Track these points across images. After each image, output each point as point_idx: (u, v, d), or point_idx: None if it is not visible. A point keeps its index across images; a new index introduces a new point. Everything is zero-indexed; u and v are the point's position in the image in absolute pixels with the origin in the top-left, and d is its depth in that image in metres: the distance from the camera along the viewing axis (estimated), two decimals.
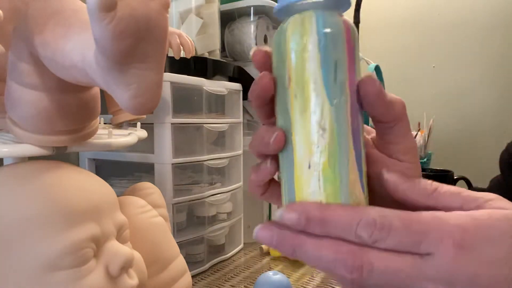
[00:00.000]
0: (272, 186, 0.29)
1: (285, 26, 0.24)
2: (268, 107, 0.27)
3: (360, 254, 0.22)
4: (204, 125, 0.74)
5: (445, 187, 0.24)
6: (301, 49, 0.23)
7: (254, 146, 0.27)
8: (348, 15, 1.43)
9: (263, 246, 0.85)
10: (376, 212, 0.22)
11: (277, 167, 0.26)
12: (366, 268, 0.21)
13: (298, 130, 0.23)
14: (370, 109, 0.25)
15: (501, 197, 0.23)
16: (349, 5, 0.25)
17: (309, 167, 0.23)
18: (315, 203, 0.23)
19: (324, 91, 0.22)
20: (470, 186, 0.95)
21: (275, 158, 0.26)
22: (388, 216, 0.22)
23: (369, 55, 1.30)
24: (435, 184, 0.25)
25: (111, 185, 0.41)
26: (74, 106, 0.37)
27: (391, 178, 0.25)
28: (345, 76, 0.23)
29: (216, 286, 0.69)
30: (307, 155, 0.23)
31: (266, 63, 0.26)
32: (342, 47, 0.23)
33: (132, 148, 0.55)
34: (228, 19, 0.98)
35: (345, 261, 0.22)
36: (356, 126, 0.23)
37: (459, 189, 0.24)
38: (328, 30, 0.23)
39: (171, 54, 0.58)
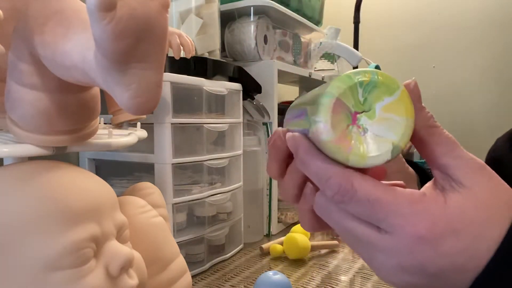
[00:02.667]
0: None
1: None
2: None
3: (325, 199, 0.24)
4: (204, 125, 0.74)
5: (445, 132, 0.24)
6: None
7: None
8: (348, 15, 1.44)
9: (263, 246, 0.85)
10: (346, 177, 0.23)
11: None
12: (324, 216, 0.25)
13: None
14: None
15: (486, 169, 0.23)
16: None
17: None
18: (305, 146, 0.24)
19: None
20: None
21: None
22: (355, 185, 0.22)
23: (369, 55, 1.30)
24: (437, 123, 0.25)
25: (111, 185, 0.41)
26: (74, 106, 0.37)
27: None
28: None
29: (216, 286, 0.69)
30: None
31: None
32: None
33: (132, 148, 0.55)
34: (228, 19, 0.98)
35: (315, 203, 0.25)
36: None
37: (454, 145, 0.24)
38: None
39: (171, 54, 0.58)
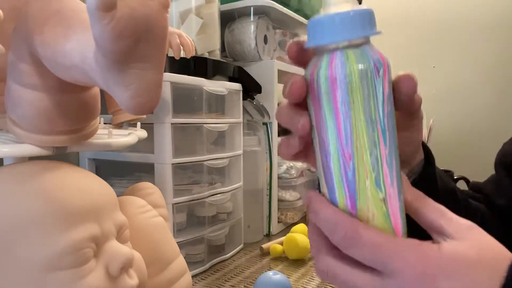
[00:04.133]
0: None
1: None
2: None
3: (326, 261, 0.26)
4: (204, 125, 0.74)
5: (434, 202, 0.27)
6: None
7: (283, 122, 0.30)
8: None
9: (263, 246, 0.85)
10: (352, 223, 0.25)
11: (303, 144, 0.29)
12: (329, 274, 0.26)
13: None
14: (406, 103, 0.29)
15: (475, 227, 0.26)
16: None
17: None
18: (318, 198, 0.27)
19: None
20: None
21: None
22: (360, 230, 0.25)
23: None
24: (425, 195, 0.28)
25: (111, 185, 0.41)
26: (74, 106, 0.37)
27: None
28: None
29: (216, 286, 0.69)
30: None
31: (299, 57, 0.28)
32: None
33: (132, 148, 0.55)
34: (228, 19, 0.98)
35: (316, 259, 0.27)
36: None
37: (444, 211, 0.27)
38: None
39: (171, 54, 0.58)
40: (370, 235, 0.24)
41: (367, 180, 0.25)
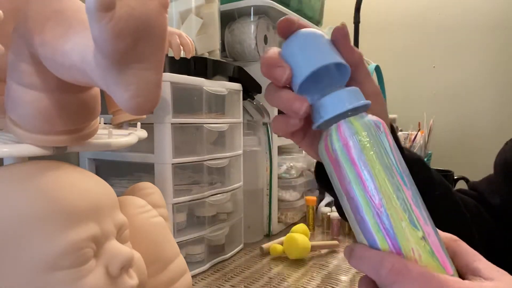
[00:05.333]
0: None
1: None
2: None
3: None
4: (204, 125, 0.74)
5: (467, 245, 0.29)
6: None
7: (275, 105, 0.31)
8: (348, 15, 1.44)
9: (263, 246, 0.85)
10: (400, 259, 0.25)
11: (303, 122, 0.31)
12: None
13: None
14: (345, 52, 0.31)
15: (508, 275, 0.27)
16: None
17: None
18: (361, 246, 0.28)
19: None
20: None
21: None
22: (409, 265, 0.25)
23: (369, 55, 1.30)
24: (456, 238, 0.30)
25: (111, 185, 0.41)
26: (74, 106, 0.37)
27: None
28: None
29: (216, 286, 0.69)
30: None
31: (290, 28, 0.31)
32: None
33: (132, 148, 0.55)
34: (228, 19, 0.98)
35: None
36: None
37: (477, 254, 0.28)
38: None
39: (171, 54, 0.58)
40: (419, 269, 0.25)
41: (402, 222, 0.27)
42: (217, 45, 0.83)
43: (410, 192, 0.27)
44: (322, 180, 0.41)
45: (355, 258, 0.28)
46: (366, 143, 0.28)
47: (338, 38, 0.30)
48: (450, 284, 0.24)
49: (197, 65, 0.73)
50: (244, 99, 0.87)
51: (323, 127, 0.31)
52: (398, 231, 0.26)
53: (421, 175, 0.38)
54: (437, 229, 0.28)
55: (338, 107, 0.29)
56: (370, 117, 0.29)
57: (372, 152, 0.27)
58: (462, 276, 0.27)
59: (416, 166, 0.39)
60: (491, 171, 0.52)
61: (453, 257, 0.28)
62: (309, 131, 0.33)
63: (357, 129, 0.28)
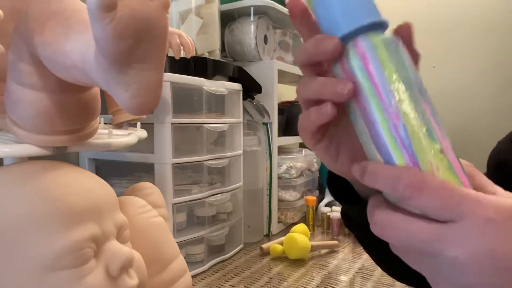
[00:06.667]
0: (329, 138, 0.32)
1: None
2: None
3: (384, 212, 0.25)
4: (204, 125, 0.74)
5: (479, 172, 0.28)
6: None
7: (314, 93, 0.29)
8: None
9: (263, 246, 0.85)
10: (416, 172, 0.24)
11: (336, 111, 0.29)
12: (385, 225, 0.25)
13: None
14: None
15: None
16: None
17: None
18: (375, 163, 0.26)
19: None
20: None
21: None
22: (426, 178, 0.24)
23: None
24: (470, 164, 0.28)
25: (111, 185, 0.41)
26: (74, 106, 0.37)
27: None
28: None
29: (216, 286, 0.69)
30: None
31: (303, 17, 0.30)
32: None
33: (132, 148, 0.55)
34: (228, 19, 0.98)
35: (371, 214, 0.26)
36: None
37: (489, 181, 0.27)
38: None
39: (171, 54, 0.58)
40: (438, 182, 0.23)
41: (420, 133, 0.25)
42: (217, 45, 0.83)
43: (429, 108, 0.26)
44: (336, 190, 0.40)
45: (369, 174, 0.26)
46: (385, 56, 0.27)
47: (403, 34, 0.29)
48: (472, 197, 0.23)
49: (197, 65, 0.73)
50: (244, 99, 0.87)
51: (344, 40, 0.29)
52: (415, 143, 0.25)
53: None
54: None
55: (355, 22, 0.28)
56: (388, 34, 0.28)
57: (391, 65, 0.27)
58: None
59: None
60: None
61: (470, 179, 0.27)
62: (328, 132, 0.32)
63: (375, 43, 0.27)
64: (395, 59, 0.27)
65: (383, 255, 0.43)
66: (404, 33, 0.29)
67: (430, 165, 0.25)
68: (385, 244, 0.28)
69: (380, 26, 0.28)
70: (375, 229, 0.26)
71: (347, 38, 0.28)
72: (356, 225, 0.41)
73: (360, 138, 0.29)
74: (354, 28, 0.27)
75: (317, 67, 0.30)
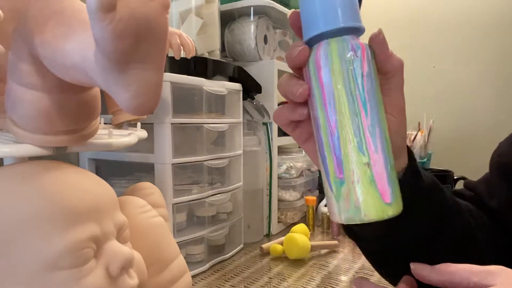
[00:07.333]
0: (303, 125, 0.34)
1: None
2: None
3: None
4: (204, 125, 0.74)
5: (452, 267, 0.30)
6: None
7: (282, 91, 0.32)
8: None
9: (263, 246, 0.85)
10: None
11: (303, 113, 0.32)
12: None
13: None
14: (380, 59, 0.30)
15: (504, 271, 0.28)
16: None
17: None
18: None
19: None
20: None
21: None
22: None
23: None
24: (444, 268, 0.31)
25: (111, 185, 0.41)
26: (74, 106, 0.37)
27: (415, 269, 0.32)
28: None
29: (216, 286, 0.69)
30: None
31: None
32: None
33: (132, 148, 0.55)
34: (228, 19, 0.98)
35: None
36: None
37: (469, 268, 0.29)
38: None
39: (171, 54, 0.58)
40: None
41: (349, 145, 0.28)
42: (217, 45, 0.83)
43: (369, 121, 0.28)
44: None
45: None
46: (335, 65, 0.28)
47: (376, 44, 0.30)
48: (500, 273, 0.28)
49: (197, 65, 0.73)
50: (244, 99, 0.87)
51: (311, 44, 0.30)
52: (344, 153, 0.28)
53: (437, 199, 0.38)
54: (433, 268, 0.30)
55: (320, 27, 0.29)
56: (352, 41, 0.29)
57: (338, 75, 0.28)
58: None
59: (434, 191, 0.38)
60: None
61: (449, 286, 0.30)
62: (308, 128, 0.34)
63: (331, 49, 0.28)
64: (346, 69, 0.28)
65: (383, 263, 0.44)
66: (376, 42, 0.30)
67: (352, 174, 0.28)
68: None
69: (349, 31, 0.29)
70: None
71: (314, 42, 0.29)
72: (357, 237, 0.42)
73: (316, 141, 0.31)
74: (317, 33, 0.29)
75: (300, 70, 0.32)
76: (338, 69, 0.28)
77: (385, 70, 0.31)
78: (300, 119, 0.32)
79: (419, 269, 0.31)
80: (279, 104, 1.00)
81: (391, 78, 0.31)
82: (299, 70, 0.32)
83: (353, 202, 0.27)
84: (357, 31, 0.29)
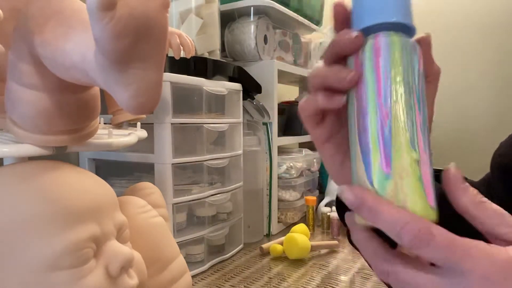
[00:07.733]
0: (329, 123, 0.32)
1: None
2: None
3: (387, 264, 0.25)
4: (204, 125, 0.74)
5: (492, 205, 0.27)
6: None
7: (322, 80, 0.29)
8: None
9: (263, 246, 0.85)
10: (424, 222, 0.24)
11: (341, 101, 0.29)
12: (391, 276, 0.25)
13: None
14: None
15: None
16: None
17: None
18: (373, 195, 0.25)
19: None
20: None
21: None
22: (433, 230, 0.24)
23: None
24: (484, 198, 0.27)
25: (111, 185, 0.41)
26: (74, 106, 0.37)
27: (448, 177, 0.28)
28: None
29: (216, 286, 0.69)
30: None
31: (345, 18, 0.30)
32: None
33: (132, 148, 0.55)
34: (228, 19, 0.98)
35: (374, 263, 0.26)
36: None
37: (503, 216, 0.26)
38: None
39: (171, 54, 0.58)
40: (443, 235, 0.24)
41: (402, 137, 0.26)
42: (217, 45, 0.83)
43: (421, 118, 0.27)
44: (343, 214, 0.40)
45: (368, 210, 0.25)
46: (397, 56, 0.27)
47: (425, 46, 0.30)
48: (470, 252, 0.23)
49: (197, 65, 0.73)
50: (244, 99, 0.87)
51: (367, 32, 0.29)
52: (394, 145, 0.26)
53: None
54: (466, 191, 0.26)
55: (382, 17, 0.28)
56: (410, 39, 0.28)
57: (400, 66, 0.27)
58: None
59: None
60: None
61: (475, 221, 0.26)
62: (331, 126, 0.32)
63: (393, 41, 0.27)
64: (406, 62, 0.27)
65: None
66: (425, 43, 0.30)
67: (401, 170, 0.25)
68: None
69: (406, 29, 0.28)
70: (381, 278, 0.27)
71: (370, 32, 0.28)
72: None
73: (348, 127, 0.29)
74: (378, 22, 0.28)
75: (338, 62, 0.30)
76: (399, 60, 0.27)
77: (427, 73, 0.30)
78: (337, 107, 0.29)
79: (457, 185, 0.27)
80: (279, 104, 1.00)
81: (429, 84, 0.31)
82: (340, 60, 0.30)
83: (400, 199, 0.25)
84: (414, 31, 0.29)
